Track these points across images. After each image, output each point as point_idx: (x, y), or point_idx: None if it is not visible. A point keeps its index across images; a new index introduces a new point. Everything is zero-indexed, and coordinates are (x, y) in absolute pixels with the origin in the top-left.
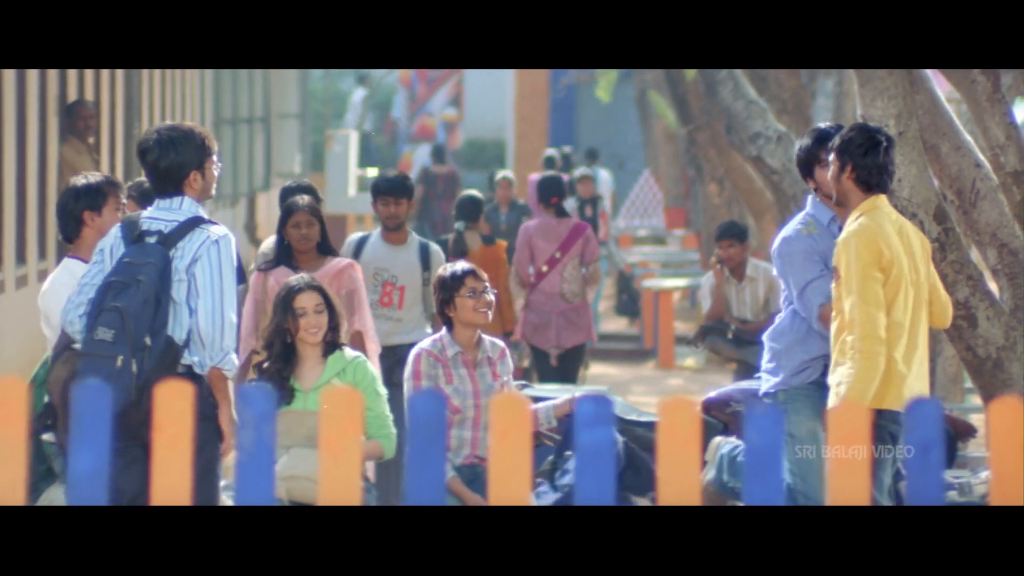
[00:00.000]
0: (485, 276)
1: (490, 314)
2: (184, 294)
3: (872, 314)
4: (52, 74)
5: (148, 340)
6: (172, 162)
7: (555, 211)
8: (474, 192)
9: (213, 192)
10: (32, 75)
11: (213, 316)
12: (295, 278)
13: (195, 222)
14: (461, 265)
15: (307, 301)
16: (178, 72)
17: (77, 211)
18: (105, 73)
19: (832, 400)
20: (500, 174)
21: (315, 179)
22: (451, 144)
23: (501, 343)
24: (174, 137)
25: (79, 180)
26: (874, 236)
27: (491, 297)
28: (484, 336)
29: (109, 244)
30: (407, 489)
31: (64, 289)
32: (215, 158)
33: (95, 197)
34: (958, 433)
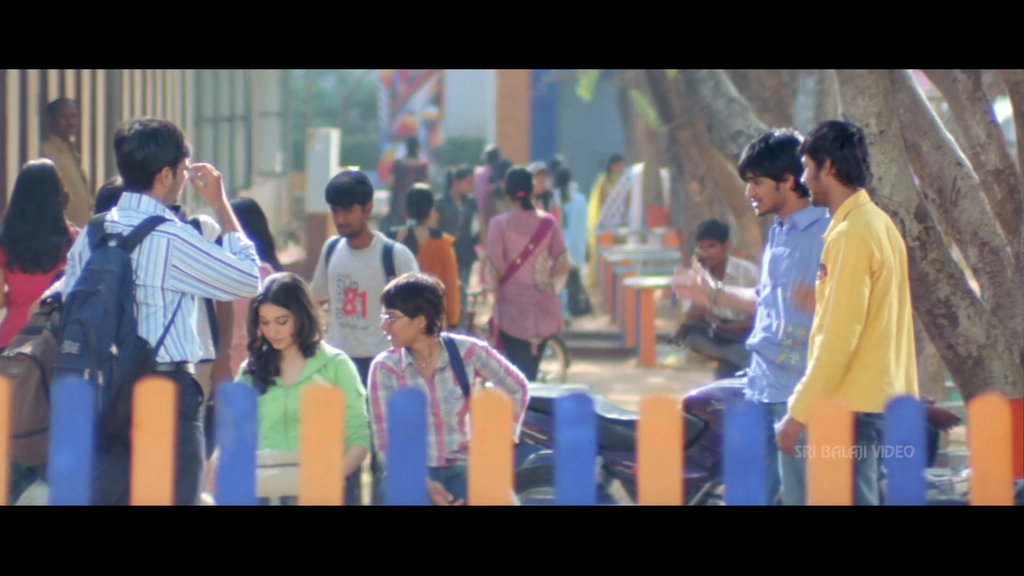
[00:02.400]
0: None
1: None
2: (156, 297)
3: (846, 325)
4: (33, 73)
5: (114, 349)
6: (148, 155)
7: (521, 204)
8: (423, 186)
9: (178, 196)
10: (13, 75)
11: (230, 279)
12: (265, 283)
13: (152, 223)
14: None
15: (268, 313)
16: (159, 71)
17: None
18: (86, 72)
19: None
20: (454, 170)
21: (296, 178)
22: (432, 143)
23: (468, 341)
24: (153, 130)
25: None
26: (865, 237)
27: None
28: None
29: (78, 249)
30: (387, 488)
31: None
32: (187, 161)
33: None
34: (940, 422)
